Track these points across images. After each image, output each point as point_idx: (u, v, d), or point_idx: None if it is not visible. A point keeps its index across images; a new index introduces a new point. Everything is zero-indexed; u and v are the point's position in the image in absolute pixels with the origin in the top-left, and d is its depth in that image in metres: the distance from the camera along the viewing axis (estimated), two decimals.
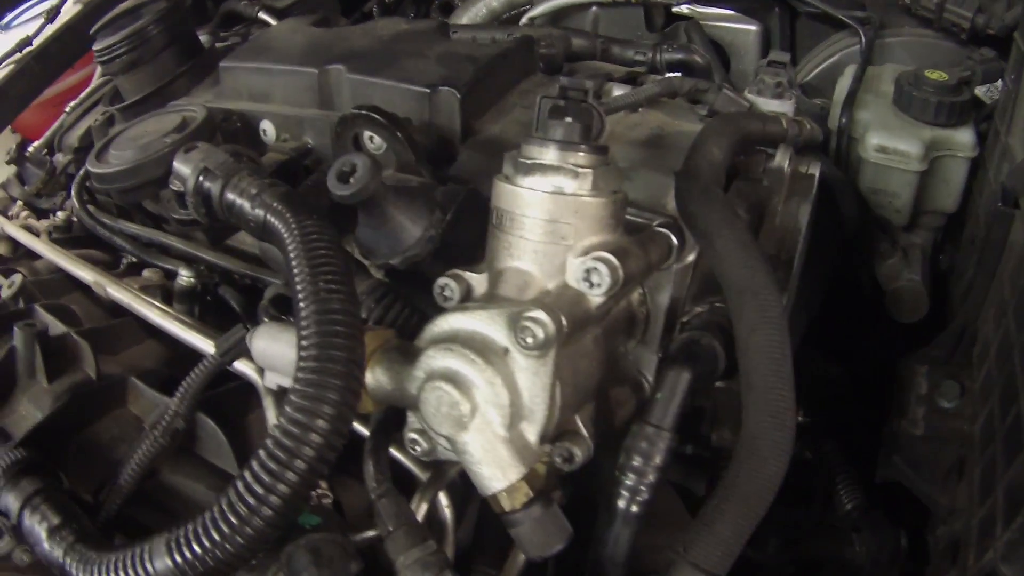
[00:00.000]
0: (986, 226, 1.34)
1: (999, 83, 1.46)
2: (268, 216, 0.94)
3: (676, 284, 1.02)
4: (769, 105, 1.22)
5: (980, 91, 1.49)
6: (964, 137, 1.37)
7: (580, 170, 0.87)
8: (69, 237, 1.50)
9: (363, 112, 1.02)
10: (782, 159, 1.11)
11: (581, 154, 0.88)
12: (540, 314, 0.79)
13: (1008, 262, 1.26)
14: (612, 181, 0.90)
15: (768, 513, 1.44)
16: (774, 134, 1.14)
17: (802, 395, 1.32)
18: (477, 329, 0.83)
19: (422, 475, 1.00)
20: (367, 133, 1.08)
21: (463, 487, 1.02)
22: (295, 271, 0.87)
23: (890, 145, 1.34)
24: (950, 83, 1.37)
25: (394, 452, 0.99)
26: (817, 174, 1.16)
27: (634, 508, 0.88)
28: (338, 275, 0.86)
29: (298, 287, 0.85)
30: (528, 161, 0.88)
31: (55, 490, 0.98)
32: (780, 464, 0.83)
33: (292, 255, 0.88)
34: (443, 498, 0.99)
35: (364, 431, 0.96)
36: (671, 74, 1.44)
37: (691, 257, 1.03)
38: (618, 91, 1.24)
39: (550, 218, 0.87)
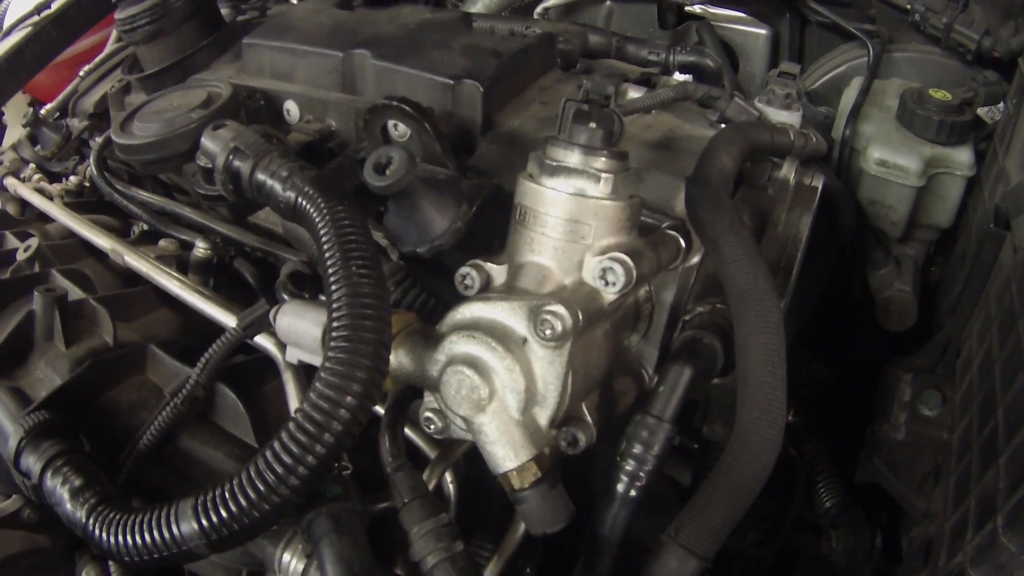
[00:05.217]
0: (977, 244, 1.44)
1: (1000, 105, 1.56)
2: (299, 199, 1.01)
3: (680, 283, 1.11)
4: (778, 115, 1.31)
5: (982, 111, 1.59)
6: (963, 156, 1.46)
7: (602, 175, 0.95)
8: (80, 202, 1.57)
9: (394, 103, 1.10)
10: (788, 171, 1.20)
11: (603, 159, 0.96)
12: (560, 308, 0.88)
13: (995, 281, 1.36)
14: (630, 185, 0.99)
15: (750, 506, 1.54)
16: (781, 145, 1.23)
17: (791, 395, 1.41)
18: (498, 318, 0.92)
19: (431, 452, 1.09)
20: (391, 122, 1.15)
21: (465, 467, 1.11)
22: (327, 254, 0.93)
23: (891, 159, 1.44)
24: (953, 103, 1.47)
25: (407, 432, 1.08)
26: (820, 186, 1.25)
27: (632, 492, 0.98)
28: (368, 259, 0.93)
29: (330, 270, 0.92)
30: (553, 163, 0.96)
31: (76, 452, 1.05)
32: (769, 458, 0.92)
33: (324, 239, 0.95)
34: (448, 475, 1.08)
35: (379, 410, 1.05)
36: (683, 76, 1.53)
37: (696, 259, 1.12)
38: (633, 93, 1.32)
39: (571, 218, 0.96)
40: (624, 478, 0.98)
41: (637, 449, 0.97)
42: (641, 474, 0.97)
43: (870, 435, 1.40)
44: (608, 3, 1.86)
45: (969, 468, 1.18)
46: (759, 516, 1.53)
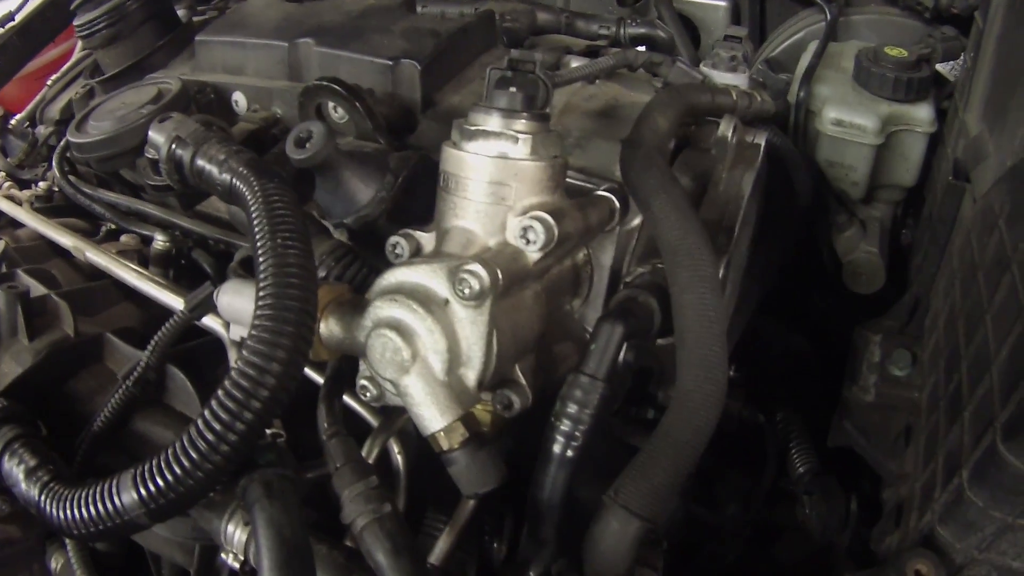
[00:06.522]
0: (940, 199, 1.44)
1: (961, 59, 1.56)
2: (234, 180, 1.06)
3: (619, 246, 1.13)
4: (723, 78, 1.33)
5: (945, 68, 1.59)
6: (922, 113, 1.47)
7: (521, 136, 0.98)
8: (50, 206, 1.63)
9: (324, 83, 1.14)
10: (726, 129, 1.22)
11: (523, 121, 0.99)
12: (476, 267, 0.91)
13: (958, 235, 1.36)
14: (552, 146, 1.01)
15: (726, 479, 1.56)
16: (723, 106, 1.25)
17: (763, 360, 1.42)
18: (420, 281, 0.95)
19: (375, 423, 1.11)
20: (330, 103, 1.19)
21: (419, 441, 1.14)
22: (256, 229, 0.97)
23: (847, 119, 1.45)
24: (909, 60, 1.47)
25: (351, 402, 1.11)
26: (763, 144, 1.26)
27: (569, 453, 0.99)
28: (295, 233, 0.96)
29: (258, 243, 0.95)
30: (473, 128, 0.99)
31: (33, 436, 1.09)
32: (711, 415, 0.93)
33: (254, 215, 0.99)
34: (395, 446, 1.11)
35: (320, 379, 1.08)
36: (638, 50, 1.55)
37: (636, 221, 1.14)
38: (576, 63, 1.35)
39: (492, 180, 0.98)
40: (560, 438, 0.98)
41: (572, 409, 0.98)
42: (577, 434, 0.98)
43: (841, 399, 1.41)
44: None
45: (937, 426, 1.19)
46: (737, 488, 1.53)
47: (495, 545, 1.19)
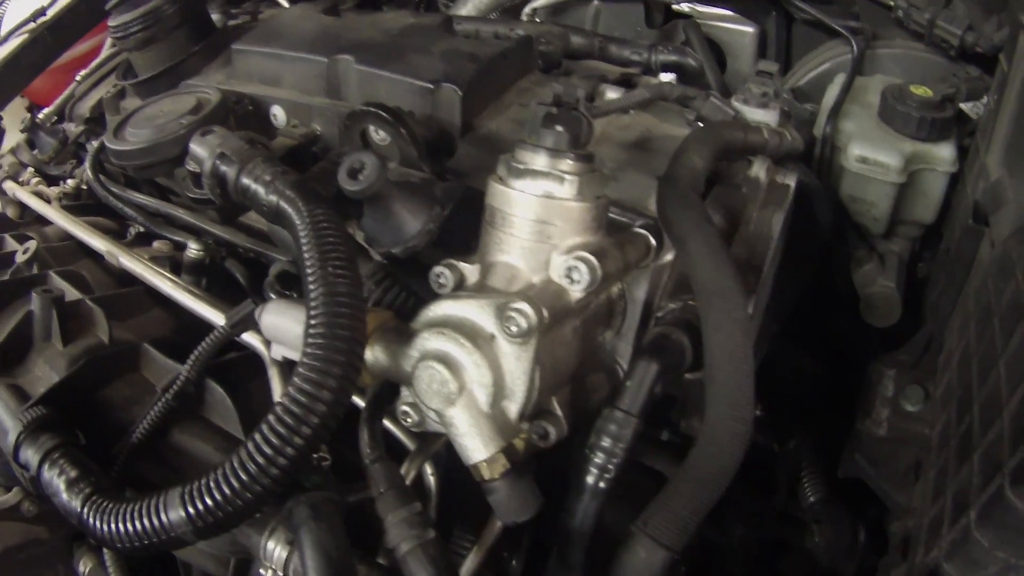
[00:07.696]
0: (957, 240, 1.49)
1: (984, 99, 1.61)
2: (281, 202, 1.09)
3: (653, 281, 1.18)
4: (754, 114, 1.37)
5: (967, 107, 1.64)
6: (944, 152, 1.51)
7: (567, 177, 1.02)
8: (77, 204, 1.65)
9: (371, 109, 1.17)
10: (759, 169, 1.26)
11: (568, 161, 1.03)
12: (524, 306, 0.95)
13: (975, 277, 1.41)
14: (596, 187, 1.05)
15: (735, 501, 1.61)
16: (755, 143, 1.29)
17: (776, 386, 1.47)
18: (467, 316, 0.98)
19: (411, 445, 1.16)
20: (374, 127, 1.22)
21: (448, 462, 1.18)
22: (306, 255, 1.01)
23: (871, 156, 1.49)
24: (934, 99, 1.52)
25: (386, 423, 1.16)
26: (793, 185, 1.31)
27: (601, 484, 1.04)
28: (345, 260, 1.00)
29: (308, 270, 0.99)
30: (520, 165, 1.03)
31: (73, 445, 1.13)
32: (737, 452, 0.98)
33: (303, 240, 1.03)
34: (429, 468, 1.15)
35: (360, 403, 1.12)
36: (664, 76, 1.59)
37: (668, 257, 1.18)
38: (611, 93, 1.38)
39: (538, 219, 1.02)
40: (593, 470, 1.03)
41: (606, 442, 1.03)
42: (610, 466, 1.03)
43: (853, 430, 1.46)
44: (595, 3, 1.93)
45: (947, 463, 1.23)
46: (745, 511, 1.59)
47: (513, 562, 1.24)
